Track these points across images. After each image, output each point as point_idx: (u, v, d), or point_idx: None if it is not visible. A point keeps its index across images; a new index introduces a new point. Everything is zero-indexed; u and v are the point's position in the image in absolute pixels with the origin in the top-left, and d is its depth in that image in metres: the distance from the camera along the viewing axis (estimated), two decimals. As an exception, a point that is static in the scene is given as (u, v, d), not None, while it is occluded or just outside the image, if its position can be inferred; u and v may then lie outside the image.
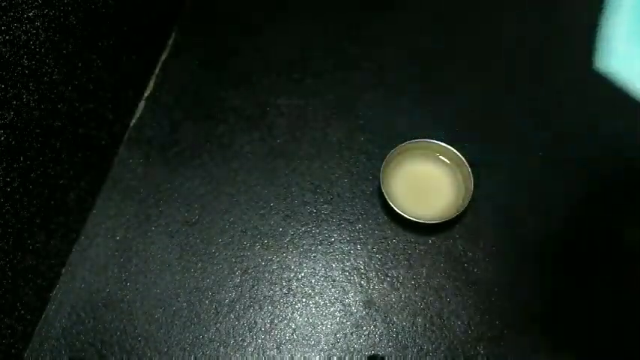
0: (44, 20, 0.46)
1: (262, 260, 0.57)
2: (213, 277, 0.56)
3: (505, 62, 0.66)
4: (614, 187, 0.59)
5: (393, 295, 0.55)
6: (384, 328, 0.53)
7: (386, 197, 0.54)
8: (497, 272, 0.54)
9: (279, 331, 0.54)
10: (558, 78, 0.65)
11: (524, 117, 0.62)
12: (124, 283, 0.57)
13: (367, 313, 0.54)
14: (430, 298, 0.54)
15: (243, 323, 0.54)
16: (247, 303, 0.55)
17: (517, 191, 0.59)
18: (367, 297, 0.55)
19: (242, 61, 0.68)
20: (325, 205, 0.59)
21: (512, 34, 0.69)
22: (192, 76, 0.67)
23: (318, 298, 0.55)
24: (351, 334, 0.53)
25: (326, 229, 0.58)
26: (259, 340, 0.54)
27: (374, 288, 0.55)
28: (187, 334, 0.54)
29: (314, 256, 0.57)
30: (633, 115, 0.52)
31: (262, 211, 0.59)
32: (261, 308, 0.55)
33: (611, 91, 0.31)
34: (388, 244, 0.57)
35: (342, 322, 0.54)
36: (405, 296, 0.55)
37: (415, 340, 0.53)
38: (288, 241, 0.58)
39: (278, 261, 0.57)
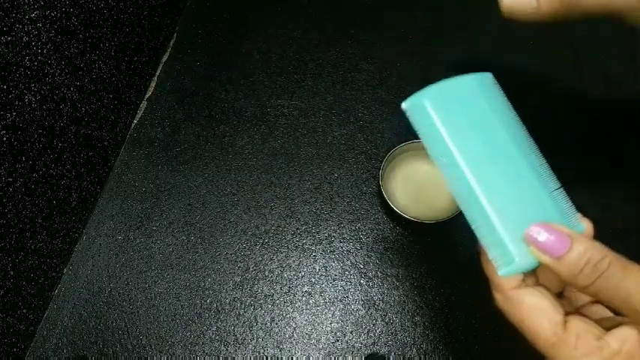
0: (46, 22, 0.46)
1: (262, 259, 0.57)
2: (214, 276, 0.57)
3: (506, 64, 0.66)
4: (616, 195, 0.59)
5: (392, 294, 0.55)
6: (384, 326, 0.54)
7: (386, 197, 0.54)
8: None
9: (279, 329, 0.54)
10: (564, 84, 0.65)
11: (523, 119, 0.62)
12: (125, 282, 0.57)
13: (367, 312, 0.54)
14: (429, 297, 0.55)
15: (244, 322, 0.55)
16: (248, 302, 0.55)
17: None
18: (367, 296, 0.55)
19: (243, 62, 0.68)
20: (325, 205, 0.59)
21: (514, 35, 0.69)
22: (193, 77, 0.68)
23: (318, 297, 0.55)
24: (351, 332, 0.54)
25: (326, 229, 0.58)
26: (260, 339, 0.54)
27: (374, 287, 0.55)
28: (188, 333, 0.54)
29: (314, 256, 0.57)
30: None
31: (262, 211, 0.59)
32: (261, 307, 0.55)
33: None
34: (388, 244, 0.57)
35: (342, 321, 0.54)
36: (405, 295, 0.55)
37: (414, 339, 0.53)
38: (288, 240, 0.58)
39: (278, 260, 0.57)
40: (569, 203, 0.31)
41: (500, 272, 0.28)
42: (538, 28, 0.70)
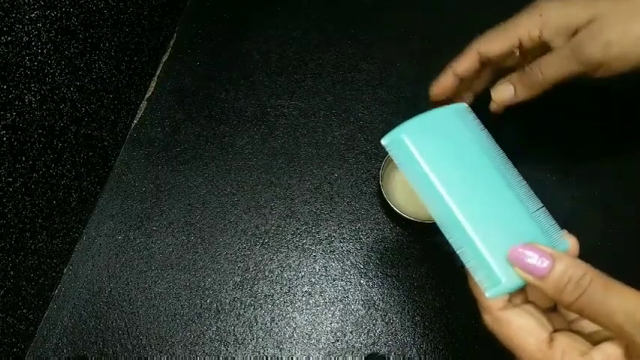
0: (46, 21, 0.46)
1: (262, 259, 0.57)
2: (214, 276, 0.57)
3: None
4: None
5: (392, 294, 0.55)
6: (384, 326, 0.54)
7: (386, 197, 0.54)
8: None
9: (279, 329, 0.54)
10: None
11: (523, 118, 0.62)
12: (125, 282, 0.57)
13: (367, 312, 0.54)
14: (429, 297, 0.55)
15: (244, 322, 0.55)
16: (248, 302, 0.55)
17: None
18: (367, 296, 0.55)
19: (243, 62, 0.68)
20: (325, 205, 0.59)
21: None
22: (193, 77, 0.68)
23: (318, 297, 0.55)
24: (351, 332, 0.54)
25: (326, 229, 0.58)
26: (260, 339, 0.54)
27: (373, 287, 0.55)
28: (188, 333, 0.54)
29: (314, 256, 0.57)
30: None
31: (262, 211, 0.59)
32: (261, 307, 0.55)
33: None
34: (388, 244, 0.57)
35: (342, 321, 0.54)
36: (405, 295, 0.55)
37: (414, 339, 0.53)
38: (288, 240, 0.58)
39: (278, 260, 0.57)
40: (552, 222, 0.31)
41: (487, 294, 0.29)
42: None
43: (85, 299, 0.57)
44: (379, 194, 0.58)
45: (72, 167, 0.55)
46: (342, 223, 0.59)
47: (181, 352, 0.54)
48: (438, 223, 0.31)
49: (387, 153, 0.56)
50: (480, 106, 0.37)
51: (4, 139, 0.44)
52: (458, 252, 0.30)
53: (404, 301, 0.55)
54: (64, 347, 0.55)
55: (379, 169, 0.56)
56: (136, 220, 0.60)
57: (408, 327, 0.53)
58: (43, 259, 0.54)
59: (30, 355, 0.54)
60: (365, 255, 0.57)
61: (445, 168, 0.31)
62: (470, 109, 0.35)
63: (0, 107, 0.42)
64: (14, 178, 0.46)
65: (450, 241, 0.31)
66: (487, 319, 0.31)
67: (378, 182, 0.55)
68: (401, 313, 0.54)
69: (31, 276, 0.52)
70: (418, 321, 0.54)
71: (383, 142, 0.34)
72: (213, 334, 0.54)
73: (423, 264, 0.56)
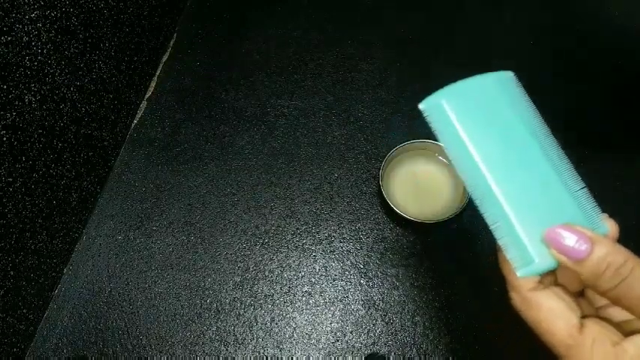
0: (46, 22, 0.46)
1: (262, 259, 0.57)
2: (214, 276, 0.57)
3: (508, 63, 0.66)
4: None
5: (392, 294, 0.55)
6: (384, 326, 0.54)
7: (385, 197, 0.54)
8: (496, 271, 0.54)
9: (279, 329, 0.54)
10: (565, 86, 0.65)
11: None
12: (125, 282, 0.57)
13: (367, 312, 0.54)
14: (429, 297, 0.54)
15: (244, 322, 0.55)
16: (248, 302, 0.55)
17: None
18: (367, 296, 0.55)
19: (242, 62, 0.68)
20: (325, 205, 0.59)
21: (514, 34, 0.69)
22: (193, 77, 0.68)
23: (318, 297, 0.55)
24: (351, 332, 0.54)
25: (326, 229, 0.58)
26: (260, 339, 0.54)
27: (374, 287, 0.55)
28: (188, 333, 0.54)
29: (314, 256, 0.57)
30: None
31: (262, 211, 0.59)
32: (261, 307, 0.55)
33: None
34: (388, 244, 0.57)
35: (342, 321, 0.54)
36: (405, 295, 0.55)
37: (414, 339, 0.53)
38: (288, 240, 0.58)
39: (278, 260, 0.57)
40: (593, 203, 0.30)
41: (518, 273, 0.27)
42: (539, 26, 0.70)
43: (85, 299, 0.57)
44: (379, 194, 0.58)
45: (72, 167, 0.55)
46: (342, 223, 0.58)
47: (181, 352, 0.54)
48: (473, 196, 0.29)
49: (387, 153, 0.56)
50: (525, 76, 0.34)
51: (4, 139, 0.44)
52: (491, 227, 0.29)
53: (404, 301, 0.55)
54: (64, 347, 0.55)
55: (379, 169, 0.56)
56: (136, 220, 0.60)
57: (408, 327, 0.53)
58: (43, 259, 0.54)
59: (30, 355, 0.54)
60: (365, 255, 0.57)
61: (485, 138, 0.29)
62: (515, 78, 0.33)
63: (0, 107, 0.42)
64: (14, 178, 0.46)
65: (484, 215, 0.29)
66: (515, 298, 0.29)
67: (378, 182, 0.55)
68: (401, 313, 0.54)
69: (31, 276, 0.52)
70: (418, 321, 0.54)
71: (420, 106, 0.31)
72: (213, 334, 0.54)
73: (423, 264, 0.56)
